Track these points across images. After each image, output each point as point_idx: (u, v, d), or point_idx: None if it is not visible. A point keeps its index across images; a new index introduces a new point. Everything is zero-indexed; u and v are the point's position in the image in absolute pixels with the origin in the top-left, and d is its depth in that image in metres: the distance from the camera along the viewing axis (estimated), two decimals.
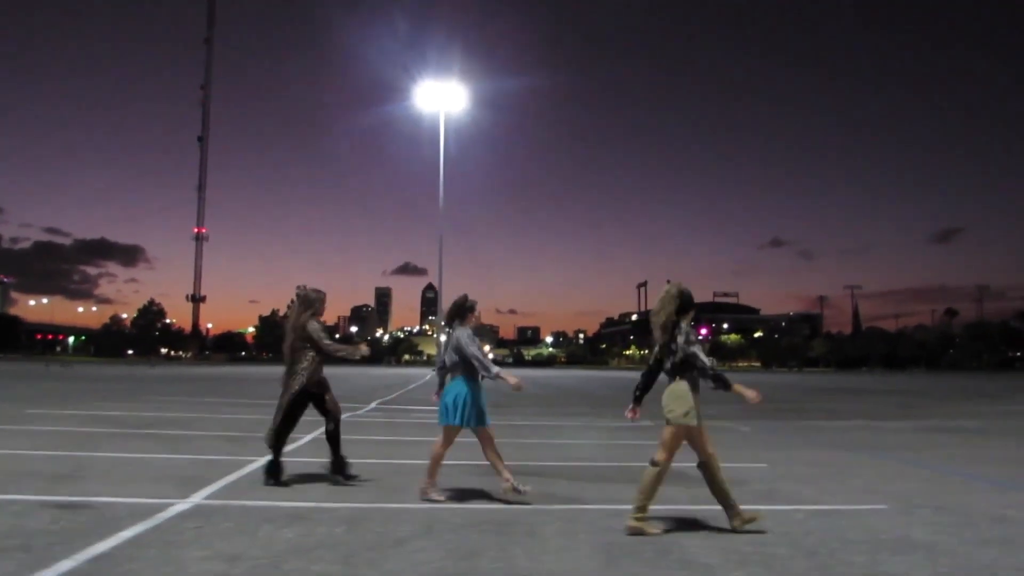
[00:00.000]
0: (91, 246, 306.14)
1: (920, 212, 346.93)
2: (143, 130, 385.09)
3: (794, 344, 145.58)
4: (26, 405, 13.79)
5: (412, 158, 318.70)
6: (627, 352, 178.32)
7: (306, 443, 8.40)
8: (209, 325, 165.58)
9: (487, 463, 5.53)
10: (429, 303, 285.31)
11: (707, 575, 3.68)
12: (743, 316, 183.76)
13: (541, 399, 20.52)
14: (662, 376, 4.72)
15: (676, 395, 4.51)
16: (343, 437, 6.22)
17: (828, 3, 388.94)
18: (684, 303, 4.66)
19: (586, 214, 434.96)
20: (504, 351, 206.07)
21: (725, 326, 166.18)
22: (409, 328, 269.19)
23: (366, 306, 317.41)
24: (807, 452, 8.98)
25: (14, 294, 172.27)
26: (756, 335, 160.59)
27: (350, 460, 6.15)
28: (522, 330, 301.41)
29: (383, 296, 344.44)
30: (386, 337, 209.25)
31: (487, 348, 6.00)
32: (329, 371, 6.29)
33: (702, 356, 4.52)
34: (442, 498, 5.36)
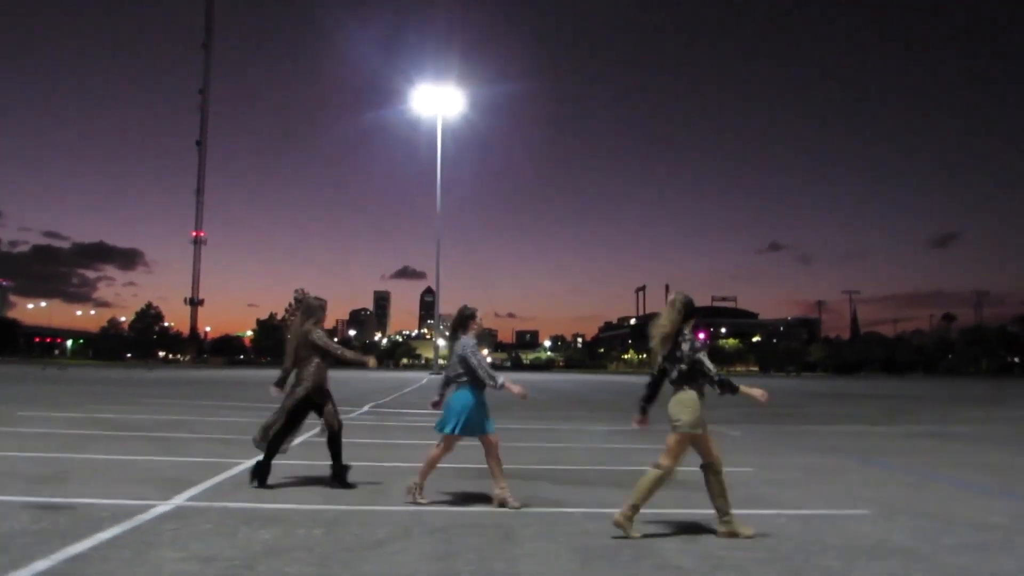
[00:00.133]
0: (90, 250, 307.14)
1: (918, 217, 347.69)
2: (142, 134, 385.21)
3: (792, 349, 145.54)
4: (18, 407, 13.78)
5: (411, 162, 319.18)
6: (625, 356, 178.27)
7: (295, 446, 8.39)
8: (207, 328, 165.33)
9: (478, 467, 5.54)
10: (428, 307, 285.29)
11: None
12: (741, 320, 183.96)
13: (536, 403, 20.51)
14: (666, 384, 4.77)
15: (684, 404, 4.53)
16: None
17: (827, 8, 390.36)
18: (688, 312, 4.70)
19: (585, 218, 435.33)
20: (502, 355, 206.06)
21: (723, 330, 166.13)
22: (407, 332, 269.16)
23: (365, 310, 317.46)
24: (795, 457, 9.00)
25: (13, 297, 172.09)
26: (754, 340, 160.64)
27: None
28: (521, 334, 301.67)
29: (382, 300, 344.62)
30: (384, 341, 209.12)
31: (484, 352, 5.98)
32: (329, 374, 6.32)
33: (708, 362, 4.54)
34: (425, 500, 5.37)
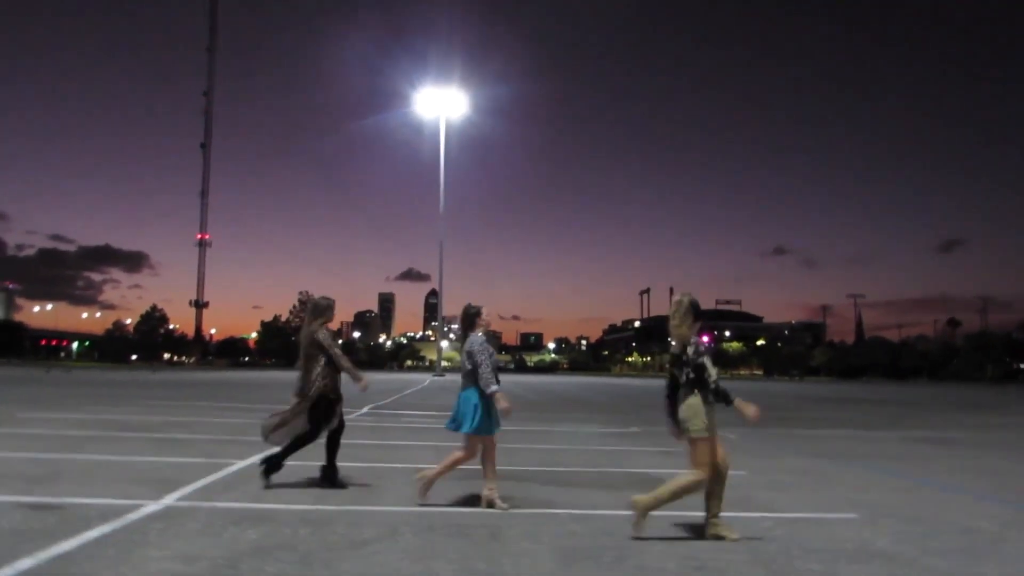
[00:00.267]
0: (95, 252, 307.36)
1: (924, 222, 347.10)
2: (146, 137, 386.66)
3: (796, 353, 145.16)
4: (19, 408, 13.86)
5: (414, 164, 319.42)
6: (630, 359, 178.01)
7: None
8: (212, 330, 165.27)
9: (470, 468, 5.57)
10: (432, 308, 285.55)
11: None
12: (745, 324, 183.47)
13: (536, 405, 20.53)
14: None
15: (694, 409, 4.55)
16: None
17: (833, 11, 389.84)
18: (696, 314, 4.72)
19: (590, 220, 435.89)
20: (506, 357, 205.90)
21: (727, 334, 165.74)
22: (412, 333, 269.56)
23: (369, 311, 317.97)
24: (789, 460, 8.99)
25: (19, 300, 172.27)
26: (758, 343, 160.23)
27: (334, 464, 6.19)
28: (525, 336, 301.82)
29: (386, 301, 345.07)
30: (389, 343, 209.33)
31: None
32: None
33: (710, 367, 4.56)
34: (427, 500, 5.40)
